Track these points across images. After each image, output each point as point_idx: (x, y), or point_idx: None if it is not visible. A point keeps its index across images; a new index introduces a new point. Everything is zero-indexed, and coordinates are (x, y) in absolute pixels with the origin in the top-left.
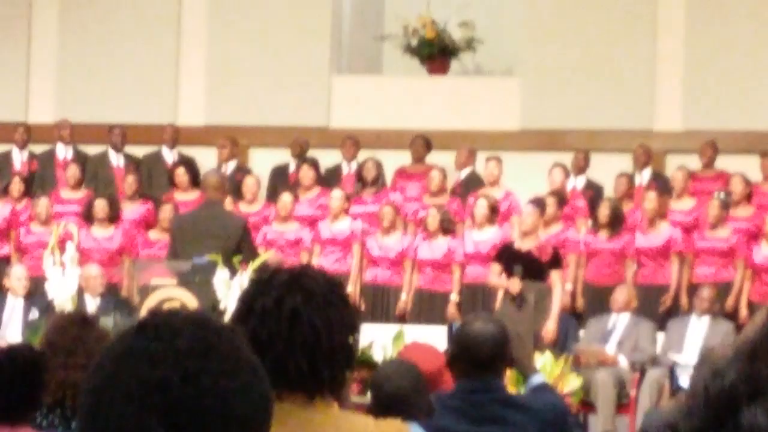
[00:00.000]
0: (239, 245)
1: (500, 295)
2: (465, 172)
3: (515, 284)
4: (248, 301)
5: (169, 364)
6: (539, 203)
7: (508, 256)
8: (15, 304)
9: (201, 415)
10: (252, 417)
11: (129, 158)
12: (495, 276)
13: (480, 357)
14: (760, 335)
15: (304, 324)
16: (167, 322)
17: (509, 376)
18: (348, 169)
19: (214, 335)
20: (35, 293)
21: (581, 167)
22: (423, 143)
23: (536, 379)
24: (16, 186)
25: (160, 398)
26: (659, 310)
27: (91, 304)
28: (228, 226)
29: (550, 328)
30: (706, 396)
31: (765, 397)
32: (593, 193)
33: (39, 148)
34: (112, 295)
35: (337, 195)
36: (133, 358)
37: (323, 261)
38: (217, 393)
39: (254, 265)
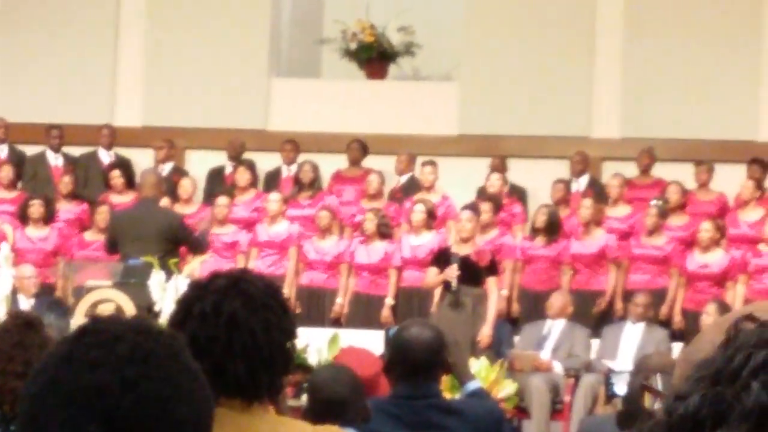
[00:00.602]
0: (180, 240)
1: (436, 299)
2: (405, 177)
3: (452, 271)
4: (186, 305)
5: (109, 370)
6: (475, 209)
7: (445, 261)
8: None
9: (141, 421)
10: (192, 423)
11: (68, 158)
12: (432, 277)
13: (416, 362)
14: (723, 358)
15: (242, 329)
16: (107, 328)
17: (445, 381)
18: (288, 172)
19: (154, 341)
20: None
21: (499, 171)
22: (359, 147)
23: (472, 385)
24: None
25: (100, 404)
26: (593, 311)
27: (25, 305)
28: (166, 223)
29: (485, 333)
30: (669, 421)
31: (729, 422)
32: (517, 197)
33: None
34: (46, 295)
35: (274, 198)
36: (73, 364)
37: (259, 264)
38: (157, 399)
39: (188, 267)
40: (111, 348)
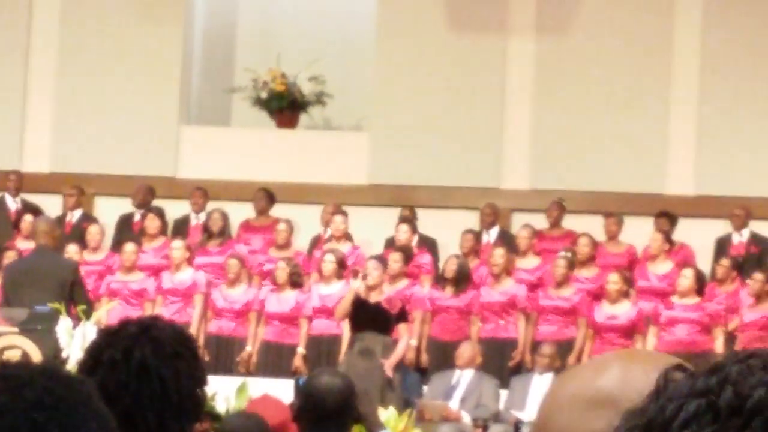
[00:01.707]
0: (72, 289)
1: (344, 347)
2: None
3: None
4: (96, 351)
5: (17, 415)
6: (381, 259)
7: (358, 308)
8: None
9: None
10: None
11: None
12: (341, 305)
13: (326, 411)
14: (655, 409)
15: (152, 376)
16: (15, 374)
17: (355, 430)
18: (197, 220)
19: (64, 387)
20: None
21: (409, 221)
22: (265, 196)
23: None
24: None
25: None
26: (508, 365)
27: None
28: (59, 270)
29: (387, 366)
30: None
31: None
32: (427, 248)
33: None
34: None
35: (177, 245)
36: None
37: (164, 311)
38: None
39: (95, 316)
40: (19, 393)
